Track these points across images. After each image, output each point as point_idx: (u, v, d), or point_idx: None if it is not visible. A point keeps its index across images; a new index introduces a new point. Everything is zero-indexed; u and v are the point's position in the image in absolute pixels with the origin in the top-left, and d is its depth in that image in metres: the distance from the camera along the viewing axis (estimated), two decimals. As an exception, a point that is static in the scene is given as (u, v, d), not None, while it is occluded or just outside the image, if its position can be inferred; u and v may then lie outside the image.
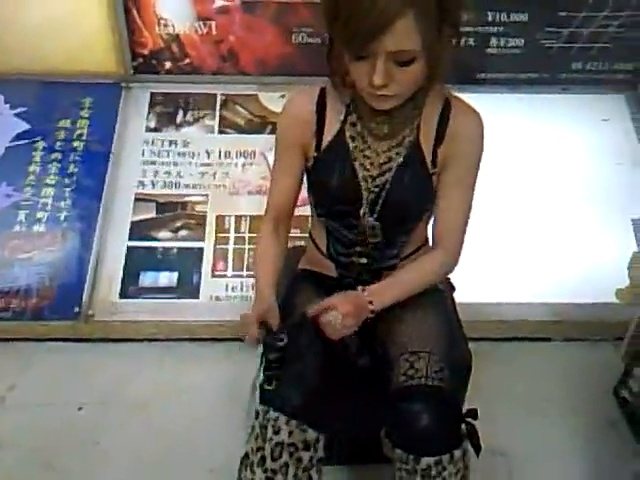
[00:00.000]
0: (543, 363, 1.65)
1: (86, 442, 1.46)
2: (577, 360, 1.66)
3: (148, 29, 2.01)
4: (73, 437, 1.47)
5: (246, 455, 1.03)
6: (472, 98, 1.10)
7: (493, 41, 2.05)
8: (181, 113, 2.05)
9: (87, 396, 1.56)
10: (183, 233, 1.82)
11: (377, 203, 1.09)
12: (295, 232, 1.67)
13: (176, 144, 1.98)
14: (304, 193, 1.19)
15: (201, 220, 1.84)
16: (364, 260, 1.16)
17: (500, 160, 1.78)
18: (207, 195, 1.89)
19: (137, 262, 1.75)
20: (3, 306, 1.67)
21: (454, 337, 1.17)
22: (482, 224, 1.67)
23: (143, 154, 1.96)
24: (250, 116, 2.05)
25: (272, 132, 1.98)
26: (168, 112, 2.05)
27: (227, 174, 1.93)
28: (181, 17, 1.99)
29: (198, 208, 1.86)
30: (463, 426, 1.01)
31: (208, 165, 1.95)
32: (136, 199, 1.87)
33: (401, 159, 1.07)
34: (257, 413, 1.03)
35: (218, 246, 1.80)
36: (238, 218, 1.85)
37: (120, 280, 1.72)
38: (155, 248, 1.78)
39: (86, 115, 1.99)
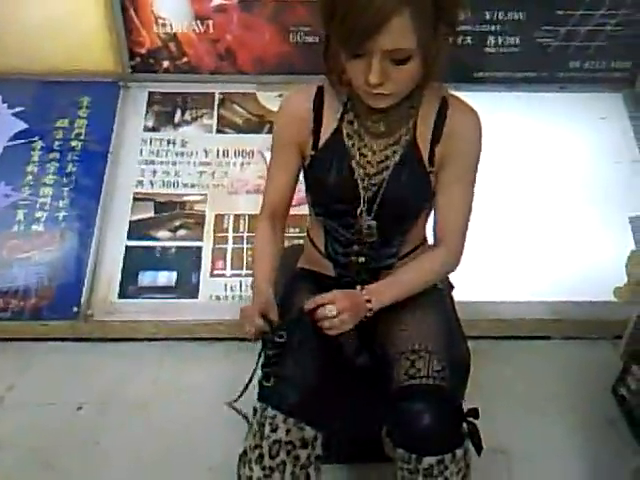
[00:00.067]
0: (542, 361, 1.66)
1: (86, 442, 1.46)
2: (576, 358, 1.66)
3: (146, 28, 2.00)
4: (72, 437, 1.47)
5: (244, 452, 1.03)
6: (470, 97, 1.10)
7: (490, 40, 2.05)
8: (179, 112, 2.05)
9: (86, 396, 1.56)
10: (182, 232, 1.82)
11: (375, 202, 1.09)
12: (294, 231, 1.68)
13: (174, 143, 1.98)
14: (302, 192, 1.19)
15: (200, 219, 1.84)
16: (362, 259, 1.16)
17: (498, 159, 1.79)
18: (206, 194, 1.89)
19: (136, 262, 1.75)
20: (2, 306, 1.67)
21: (453, 336, 1.18)
22: (480, 223, 1.66)
23: (141, 153, 1.96)
24: (248, 115, 2.05)
25: (270, 131, 1.97)
26: (166, 111, 2.05)
27: (226, 173, 1.93)
28: (179, 16, 1.99)
29: (197, 207, 1.86)
30: (464, 425, 1.01)
31: (206, 164, 1.95)
32: (134, 198, 1.86)
33: (398, 157, 1.07)
34: (255, 410, 1.03)
35: (217, 245, 1.80)
36: (237, 217, 1.85)
37: (119, 280, 1.72)
38: (154, 247, 1.78)
39: (84, 115, 1.99)
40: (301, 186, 1.18)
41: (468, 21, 1.99)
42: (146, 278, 1.73)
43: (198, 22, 2.00)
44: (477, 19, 2.01)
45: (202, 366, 1.63)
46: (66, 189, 1.85)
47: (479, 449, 1.01)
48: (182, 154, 1.97)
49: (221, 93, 2.08)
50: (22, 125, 1.96)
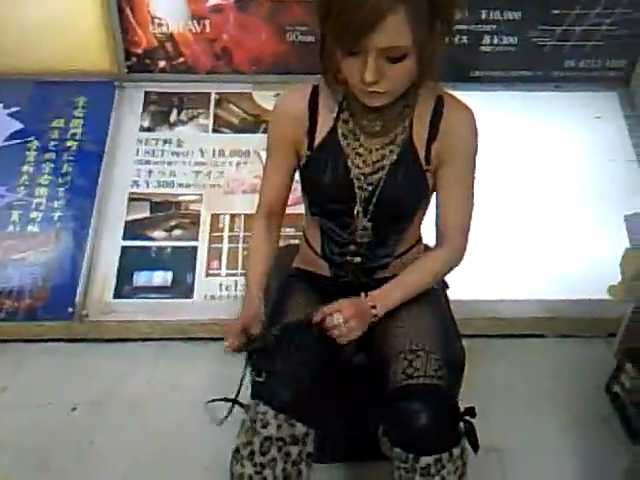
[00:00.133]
0: (536, 360, 1.66)
1: (81, 442, 1.46)
2: (570, 356, 1.67)
3: (142, 28, 2.00)
4: (67, 437, 1.47)
5: (237, 449, 1.03)
6: (466, 96, 1.10)
7: (486, 39, 2.05)
8: (175, 112, 2.05)
9: (81, 396, 1.56)
10: (177, 232, 1.82)
11: (371, 201, 1.09)
12: (290, 230, 1.68)
13: (170, 143, 1.98)
14: (298, 192, 1.19)
15: (195, 219, 1.84)
16: (358, 259, 1.16)
17: (494, 158, 1.79)
18: (201, 194, 1.89)
19: (131, 262, 1.75)
20: (-4, 307, 1.67)
21: (449, 335, 1.18)
22: (476, 221, 1.68)
23: (137, 153, 1.95)
24: (244, 115, 2.05)
25: (266, 131, 1.95)
26: (162, 111, 2.04)
27: (221, 173, 1.93)
28: (175, 16, 1.99)
29: (192, 207, 1.86)
30: (461, 424, 1.01)
31: (202, 164, 1.95)
32: (130, 198, 1.86)
33: (394, 157, 1.07)
34: (247, 407, 1.03)
35: (212, 245, 1.80)
36: (232, 217, 1.85)
37: (114, 280, 1.72)
38: (149, 247, 1.78)
39: (80, 115, 1.99)
40: (297, 185, 1.18)
41: (464, 20, 2.00)
42: (141, 278, 1.72)
43: (194, 22, 2.00)
44: (473, 18, 2.01)
45: (197, 366, 1.63)
46: (61, 189, 1.85)
47: (476, 448, 1.01)
48: (178, 154, 1.96)
49: (217, 93, 2.08)
50: (17, 125, 1.96)
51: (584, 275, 1.70)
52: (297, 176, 1.17)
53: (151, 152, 1.96)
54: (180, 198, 1.88)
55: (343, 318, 1.01)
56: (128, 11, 1.97)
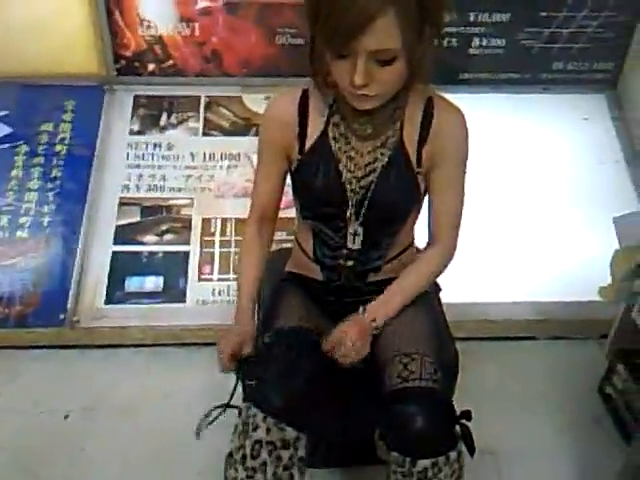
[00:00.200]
0: (529, 362, 1.67)
1: (73, 449, 1.45)
2: (562, 358, 1.68)
3: (131, 31, 1.99)
4: (60, 444, 1.46)
5: (230, 453, 1.03)
6: (455, 98, 1.10)
7: (475, 41, 2.06)
8: (165, 115, 2.04)
9: (74, 403, 1.54)
10: (168, 237, 1.81)
11: (363, 205, 1.09)
12: (281, 234, 1.68)
13: (160, 147, 1.97)
14: (289, 195, 1.19)
15: (186, 223, 1.83)
16: (350, 262, 1.16)
17: (483, 160, 1.78)
18: (192, 198, 1.88)
19: (122, 267, 1.74)
20: (-14, 314, 1.65)
21: (443, 338, 1.18)
22: (467, 224, 1.68)
23: (127, 157, 1.94)
24: (234, 118, 2.05)
25: (256, 134, 1.95)
26: (152, 115, 2.03)
27: (212, 177, 1.92)
28: (164, 19, 1.98)
29: (183, 211, 1.85)
30: (457, 427, 1.01)
31: (193, 168, 1.94)
32: (120, 203, 1.85)
33: (386, 159, 1.07)
34: (240, 411, 1.03)
35: (204, 249, 1.79)
36: (224, 221, 1.84)
37: (105, 285, 1.71)
38: (140, 252, 1.77)
39: (69, 118, 1.98)
40: (288, 189, 1.18)
41: (453, 23, 2.00)
42: (133, 283, 1.71)
43: (183, 25, 1.99)
44: (462, 21, 2.02)
45: (190, 371, 1.62)
46: (51, 194, 1.83)
47: (472, 451, 1.01)
48: (168, 158, 1.95)
49: (207, 96, 2.08)
50: (6, 129, 1.94)
51: (575, 277, 1.71)
52: (288, 180, 1.17)
53: (141, 156, 1.95)
54: (171, 202, 1.87)
55: (350, 342, 1.02)
56: (117, 14, 1.96)
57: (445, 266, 1.17)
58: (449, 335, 1.25)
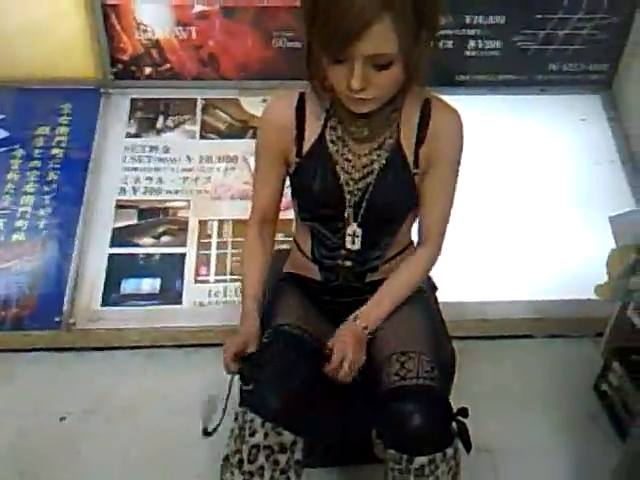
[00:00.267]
0: (525, 360, 1.67)
1: (70, 452, 1.45)
2: (559, 356, 1.68)
3: (127, 35, 2.00)
4: (57, 447, 1.45)
5: (226, 457, 1.03)
6: (452, 100, 1.11)
7: (471, 43, 2.07)
8: (162, 118, 2.04)
9: (71, 406, 1.54)
10: (165, 239, 1.81)
11: (361, 206, 1.09)
12: (279, 236, 1.67)
13: (157, 150, 1.98)
14: (287, 197, 1.19)
15: (183, 226, 1.83)
16: (349, 263, 1.16)
17: (481, 161, 1.80)
18: (189, 200, 1.88)
19: (119, 269, 1.74)
20: (-17, 317, 1.65)
21: (439, 337, 1.19)
22: (464, 224, 1.68)
23: (124, 160, 1.95)
24: (231, 120, 2.05)
25: (253, 136, 1.98)
26: (149, 118, 2.04)
27: (209, 179, 1.93)
28: (161, 22, 1.99)
29: (180, 214, 1.86)
30: (454, 424, 1.01)
31: (189, 170, 1.94)
32: (117, 206, 1.85)
33: (383, 161, 1.07)
34: (236, 415, 1.03)
35: (200, 251, 1.79)
36: (220, 223, 1.84)
37: (102, 287, 1.71)
38: (137, 254, 1.77)
39: (65, 122, 1.98)
40: (287, 190, 1.18)
41: (448, 25, 2.01)
42: (129, 285, 1.71)
43: (180, 28, 2.00)
44: (457, 23, 2.03)
45: (187, 373, 1.62)
46: (47, 197, 1.83)
47: (468, 448, 1.02)
48: (165, 160, 1.96)
49: (204, 99, 2.08)
50: (2, 133, 1.94)
51: (571, 275, 1.72)
52: (287, 181, 1.17)
53: (138, 159, 1.95)
54: (167, 205, 1.87)
55: (350, 365, 1.03)
56: (113, 18, 1.97)
57: (433, 266, 1.18)
58: (446, 334, 1.26)
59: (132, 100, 2.06)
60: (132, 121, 2.03)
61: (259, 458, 0.99)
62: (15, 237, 1.76)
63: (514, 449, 1.44)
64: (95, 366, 1.64)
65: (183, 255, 1.78)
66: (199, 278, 1.75)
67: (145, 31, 2.00)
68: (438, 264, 1.21)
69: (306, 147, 1.09)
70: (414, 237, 1.21)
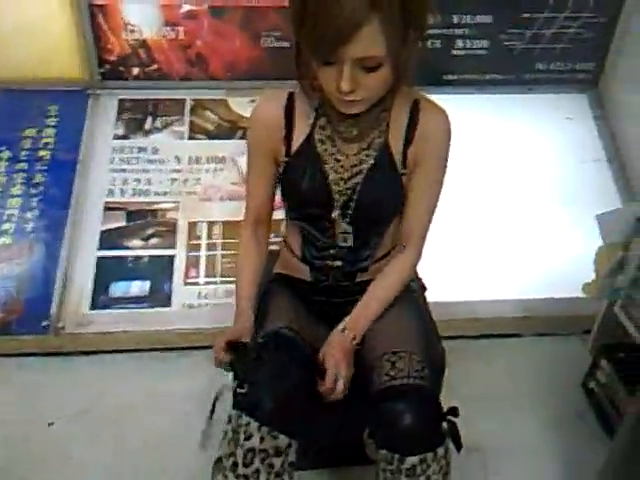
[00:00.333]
0: (514, 359, 1.68)
1: (59, 457, 1.44)
2: (547, 354, 1.69)
3: (115, 35, 1.99)
4: (46, 452, 1.45)
5: (219, 459, 1.03)
6: (439, 99, 1.11)
7: (458, 43, 2.08)
8: (150, 119, 2.03)
9: (59, 410, 1.53)
10: (154, 241, 1.80)
11: (349, 206, 1.10)
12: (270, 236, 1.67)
13: (145, 151, 1.97)
14: (277, 197, 1.19)
15: (172, 227, 1.82)
16: (338, 263, 1.16)
17: (468, 160, 1.81)
18: (178, 202, 1.87)
19: (107, 272, 1.73)
20: (-30, 321, 1.63)
21: (429, 336, 1.20)
22: (452, 223, 1.70)
23: (112, 162, 1.93)
24: (220, 121, 2.05)
25: (242, 137, 1.98)
26: (136, 118, 2.03)
27: (198, 180, 1.92)
28: (148, 23, 1.98)
29: (169, 215, 1.85)
30: (444, 424, 1.02)
31: (178, 171, 1.93)
32: (105, 208, 1.84)
33: (372, 161, 1.08)
34: (230, 417, 1.02)
35: (190, 253, 1.79)
36: (210, 224, 1.84)
37: (90, 291, 1.70)
38: (126, 257, 1.76)
39: (52, 123, 1.96)
40: (277, 190, 1.18)
41: (436, 25, 2.02)
42: (118, 288, 1.70)
43: (168, 28, 1.99)
44: (445, 23, 2.03)
45: (177, 376, 1.61)
46: (35, 199, 1.82)
47: (459, 447, 1.02)
48: (153, 162, 1.95)
49: (192, 99, 2.07)
50: (-12, 135, 1.92)
51: (559, 274, 1.73)
52: (278, 181, 1.18)
53: (126, 160, 1.94)
54: (156, 206, 1.86)
55: (343, 384, 1.04)
56: (100, 18, 1.95)
57: (415, 266, 1.19)
58: (435, 333, 1.26)
59: (120, 101, 2.05)
60: (120, 122, 2.01)
61: (254, 462, 0.99)
62: (2, 240, 1.75)
63: (504, 448, 1.45)
64: (84, 370, 1.63)
65: (172, 257, 1.77)
66: (189, 280, 1.74)
67: (133, 31, 1.99)
68: (427, 264, 1.22)
69: (295, 146, 1.09)
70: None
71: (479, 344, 1.70)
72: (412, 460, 0.98)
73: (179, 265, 1.76)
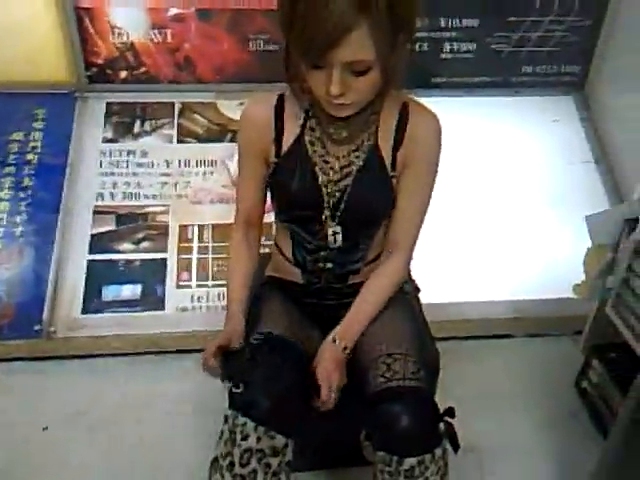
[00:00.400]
0: (507, 359, 1.69)
1: (54, 461, 1.42)
2: (539, 355, 1.71)
3: (102, 38, 1.97)
4: (40, 457, 1.43)
5: (216, 459, 1.03)
6: (428, 102, 1.12)
7: (446, 46, 2.09)
8: (138, 123, 2.02)
9: (53, 415, 1.52)
10: (145, 244, 1.79)
11: (339, 208, 1.10)
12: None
13: (134, 154, 1.95)
14: (267, 200, 1.19)
15: (163, 230, 1.82)
16: (330, 265, 1.17)
17: (457, 163, 1.82)
18: (168, 205, 1.86)
19: (99, 276, 1.72)
20: (-41, 327, 1.61)
21: (423, 338, 1.20)
22: (443, 226, 1.71)
23: (101, 165, 1.92)
24: (209, 124, 2.04)
25: (232, 140, 1.98)
26: (125, 122, 2.01)
27: (188, 183, 1.91)
28: (135, 25, 1.97)
29: (159, 219, 1.84)
30: (441, 424, 1.02)
31: (168, 175, 1.92)
32: (95, 211, 1.83)
33: (361, 163, 1.08)
34: (226, 418, 1.02)
35: (181, 256, 1.78)
36: (201, 227, 1.83)
37: (82, 295, 1.68)
38: (117, 261, 1.75)
39: (40, 127, 1.95)
40: (267, 193, 1.18)
41: (424, 28, 2.03)
42: (110, 292, 1.69)
43: (155, 31, 1.98)
44: (433, 26, 2.05)
45: (171, 379, 1.60)
46: (23, 204, 1.80)
47: (456, 448, 1.03)
48: (143, 165, 1.94)
49: (181, 102, 2.07)
50: (-25, 139, 1.90)
51: (549, 275, 1.75)
52: (268, 183, 1.18)
53: (115, 164, 1.93)
54: (147, 210, 1.85)
55: (335, 395, 1.05)
56: (87, 21, 1.94)
57: (406, 270, 1.19)
58: (429, 335, 1.27)
59: (108, 104, 2.04)
60: (108, 125, 2.00)
61: (251, 462, 0.99)
62: (-9, 245, 1.73)
63: (498, 448, 1.46)
64: (77, 374, 1.61)
65: (164, 260, 1.76)
66: (181, 283, 1.74)
67: (120, 34, 1.97)
68: (418, 266, 1.22)
69: (285, 148, 1.10)
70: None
71: (471, 345, 1.71)
72: (410, 461, 0.99)
73: (171, 268, 1.75)
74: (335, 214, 1.10)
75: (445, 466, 1.02)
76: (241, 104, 1.99)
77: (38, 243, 1.74)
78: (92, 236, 1.78)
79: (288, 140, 1.09)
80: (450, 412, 1.03)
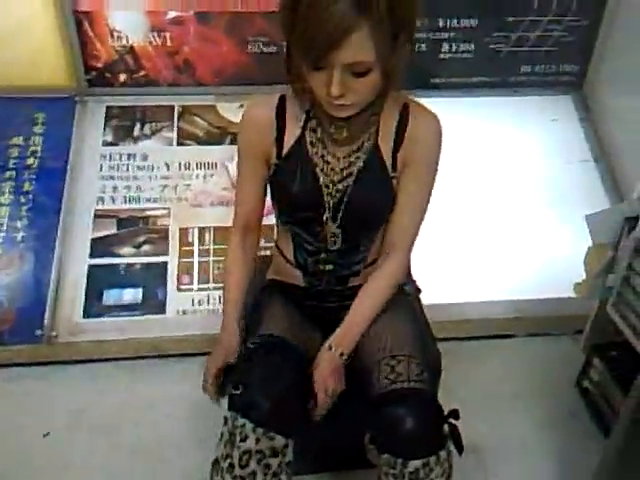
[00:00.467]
0: (508, 359, 1.69)
1: (56, 467, 1.42)
2: (540, 355, 1.71)
3: (101, 42, 1.98)
4: (42, 463, 1.43)
5: (216, 460, 1.03)
6: (427, 102, 1.12)
7: (445, 46, 2.09)
8: (138, 126, 2.02)
9: (54, 420, 1.52)
10: (146, 248, 1.79)
11: (339, 209, 1.10)
12: (260, 242, 1.68)
13: (135, 158, 1.96)
14: (268, 202, 1.19)
15: (164, 234, 1.82)
16: (330, 267, 1.17)
17: (456, 163, 1.82)
18: (169, 208, 1.86)
19: (100, 280, 1.72)
20: (-39, 332, 1.61)
21: (425, 339, 1.21)
22: (442, 226, 1.71)
23: (101, 169, 1.92)
24: (209, 127, 2.04)
25: (232, 142, 1.98)
26: (125, 125, 2.01)
27: (188, 186, 1.91)
28: (134, 29, 1.97)
29: (160, 222, 1.84)
30: (445, 426, 1.03)
31: (168, 178, 1.93)
32: (96, 215, 1.83)
33: (361, 164, 1.09)
34: (225, 419, 1.03)
35: (182, 259, 1.78)
36: (201, 230, 1.83)
37: (83, 299, 1.68)
38: (118, 265, 1.75)
39: (39, 131, 1.95)
40: (268, 196, 1.18)
41: (423, 28, 2.04)
42: (111, 296, 1.69)
43: (154, 34, 1.98)
44: (432, 26, 2.05)
45: (172, 382, 1.60)
46: (24, 208, 1.80)
47: (460, 449, 1.03)
48: (143, 168, 1.94)
49: (180, 105, 2.07)
50: (-24, 144, 1.90)
51: (549, 274, 1.75)
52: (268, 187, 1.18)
53: (115, 167, 1.93)
54: (147, 213, 1.85)
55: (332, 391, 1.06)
56: (86, 25, 1.94)
57: (403, 272, 1.19)
58: (431, 336, 1.27)
59: (107, 108, 2.04)
60: (108, 129, 2.00)
61: (251, 463, 0.99)
62: (-9, 250, 1.73)
63: (501, 448, 1.46)
64: (78, 379, 1.61)
65: (165, 264, 1.77)
66: (182, 286, 1.74)
67: (119, 38, 1.98)
68: (418, 267, 1.22)
69: (286, 149, 1.10)
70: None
71: (472, 345, 1.71)
72: (415, 464, 0.99)
73: (172, 272, 1.75)
74: (336, 215, 1.11)
75: (450, 468, 1.02)
76: (241, 106, 2.00)
77: (39, 248, 1.74)
78: (93, 240, 1.78)
79: (289, 141, 1.10)
80: (454, 414, 1.03)
